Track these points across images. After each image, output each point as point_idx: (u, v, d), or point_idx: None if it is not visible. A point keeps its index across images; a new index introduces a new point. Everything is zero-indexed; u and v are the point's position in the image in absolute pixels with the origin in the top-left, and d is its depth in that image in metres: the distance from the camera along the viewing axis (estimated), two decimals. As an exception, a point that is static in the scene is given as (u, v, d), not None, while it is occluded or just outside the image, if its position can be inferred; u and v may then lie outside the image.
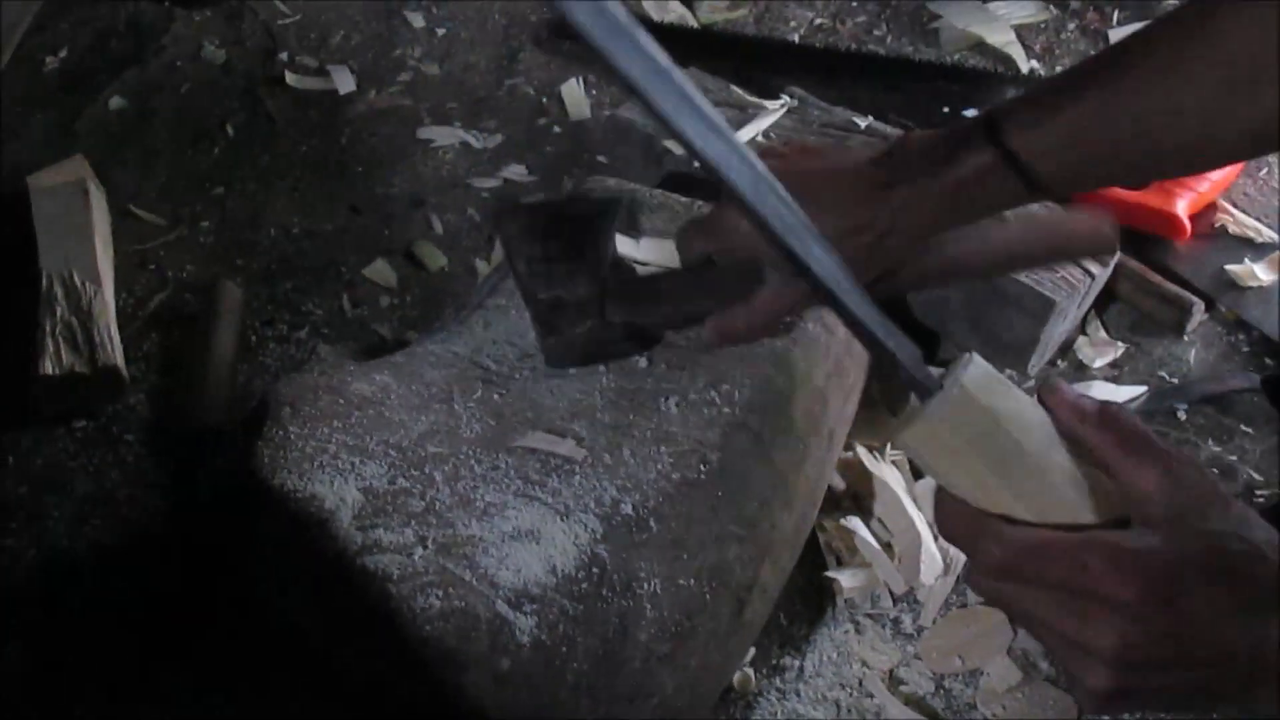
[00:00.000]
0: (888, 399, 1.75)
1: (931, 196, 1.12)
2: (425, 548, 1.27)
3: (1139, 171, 1.17)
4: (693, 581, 1.34)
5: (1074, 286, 1.79)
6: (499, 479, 1.35)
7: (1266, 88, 1.00)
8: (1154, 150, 1.07)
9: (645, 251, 1.59)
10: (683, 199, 1.67)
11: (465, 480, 1.34)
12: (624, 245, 1.57)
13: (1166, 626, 0.83)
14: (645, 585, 1.30)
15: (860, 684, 1.61)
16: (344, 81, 2.31)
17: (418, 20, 2.44)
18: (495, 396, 1.44)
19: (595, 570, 1.28)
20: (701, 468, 1.38)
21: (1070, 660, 0.87)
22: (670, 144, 1.89)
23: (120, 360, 1.80)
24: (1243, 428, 1.82)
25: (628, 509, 1.33)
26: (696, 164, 0.87)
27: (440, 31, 2.43)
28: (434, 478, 1.34)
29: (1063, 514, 0.90)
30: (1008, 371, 1.79)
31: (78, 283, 1.83)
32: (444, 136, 2.23)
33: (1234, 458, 1.80)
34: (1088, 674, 0.86)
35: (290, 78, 2.31)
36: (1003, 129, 1.08)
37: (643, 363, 1.47)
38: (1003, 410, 0.92)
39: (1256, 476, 1.78)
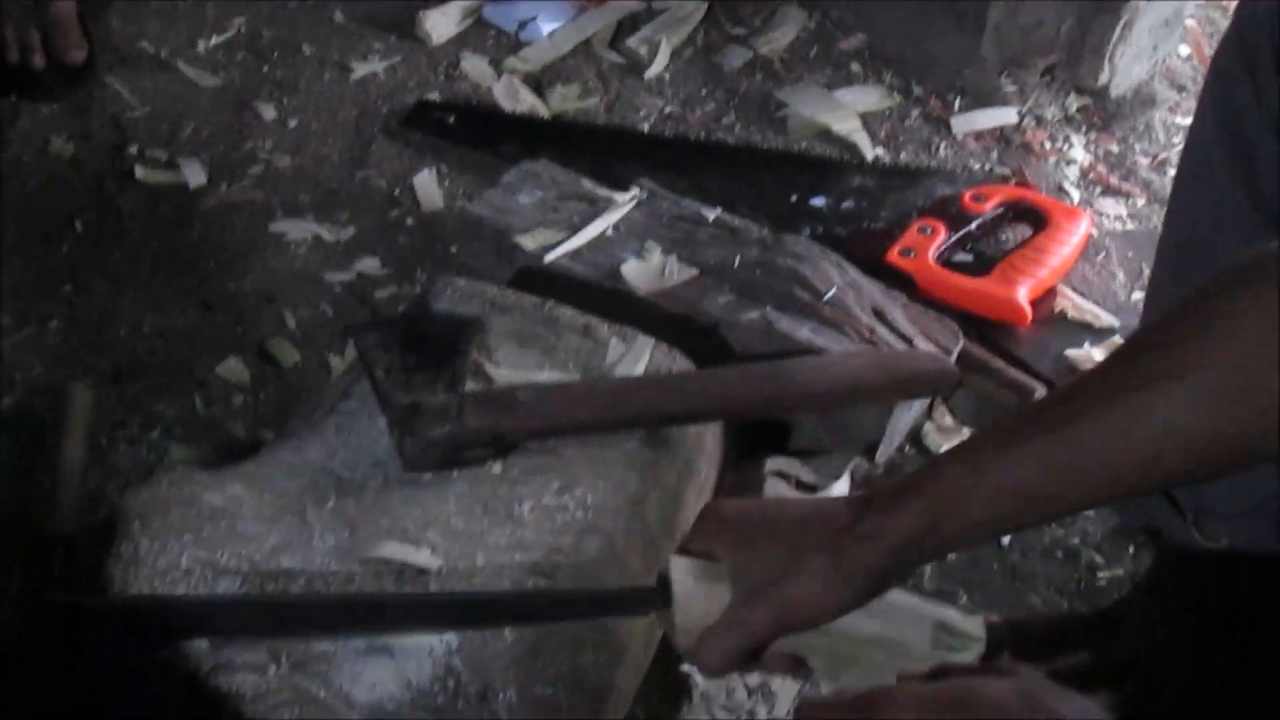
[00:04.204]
0: (742, 493, 1.78)
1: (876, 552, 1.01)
2: (279, 665, 1.27)
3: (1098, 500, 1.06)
4: (549, 689, 1.34)
5: (919, 376, 1.83)
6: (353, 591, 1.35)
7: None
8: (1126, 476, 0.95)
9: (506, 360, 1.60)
10: (533, 299, 1.69)
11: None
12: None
13: None
14: (501, 695, 1.31)
15: (718, 778, 1.62)
16: (195, 175, 2.30)
17: (269, 112, 2.43)
18: (349, 505, 1.44)
19: (450, 682, 1.29)
20: (555, 574, 1.39)
21: None
22: (521, 239, 1.91)
23: (-34, 468, 1.78)
24: (1085, 512, 1.87)
25: (482, 618, 1.33)
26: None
27: (292, 123, 2.43)
28: (288, 592, 1.34)
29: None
30: (856, 460, 1.83)
31: (-79, 389, 1.81)
32: (296, 230, 2.23)
33: (1076, 540, 1.84)
34: None
35: (140, 171, 2.30)
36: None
37: (497, 468, 1.49)
38: None
39: (1098, 559, 1.83)
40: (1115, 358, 0.98)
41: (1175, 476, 0.97)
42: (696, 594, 1.06)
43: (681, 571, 1.07)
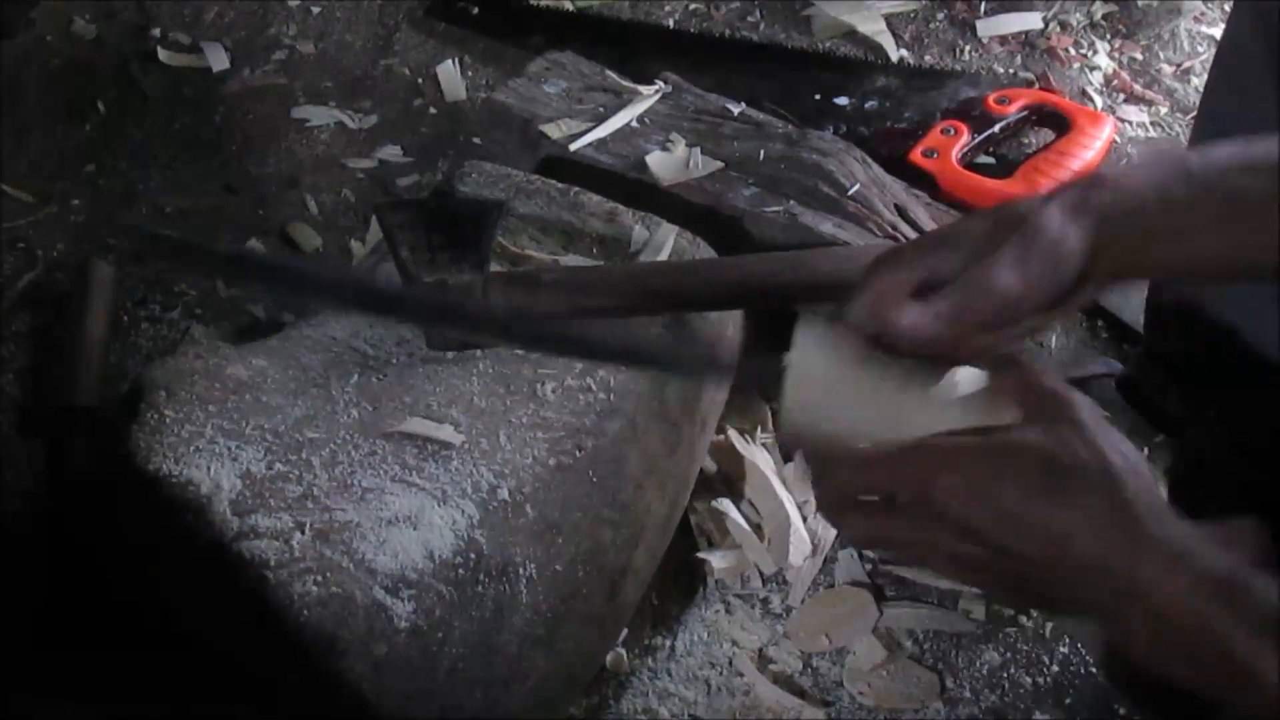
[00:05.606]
0: (761, 385, 1.79)
1: None
2: (303, 534, 1.28)
3: None
4: (567, 566, 1.36)
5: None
6: (376, 464, 1.35)
7: None
8: None
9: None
10: (559, 185, 1.69)
11: (343, 465, 1.35)
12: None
13: (982, 521, 0.85)
14: (521, 570, 1.32)
15: (730, 663, 1.64)
16: (218, 59, 2.30)
17: (292, -2, 2.43)
18: (372, 381, 1.44)
19: (472, 555, 1.30)
20: (577, 453, 1.40)
21: (920, 560, 0.89)
22: (546, 128, 1.90)
23: (-12, 341, 1.79)
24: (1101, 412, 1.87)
25: (504, 494, 1.34)
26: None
27: (315, 10, 2.42)
28: (311, 463, 1.34)
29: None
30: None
31: (-55, 262, 1.81)
32: (319, 116, 2.23)
33: (1092, 441, 1.85)
34: (937, 571, 0.89)
35: (163, 54, 2.29)
36: None
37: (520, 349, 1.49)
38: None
39: (1113, 460, 1.83)
40: None
41: None
42: (817, 348, 0.97)
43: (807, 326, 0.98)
